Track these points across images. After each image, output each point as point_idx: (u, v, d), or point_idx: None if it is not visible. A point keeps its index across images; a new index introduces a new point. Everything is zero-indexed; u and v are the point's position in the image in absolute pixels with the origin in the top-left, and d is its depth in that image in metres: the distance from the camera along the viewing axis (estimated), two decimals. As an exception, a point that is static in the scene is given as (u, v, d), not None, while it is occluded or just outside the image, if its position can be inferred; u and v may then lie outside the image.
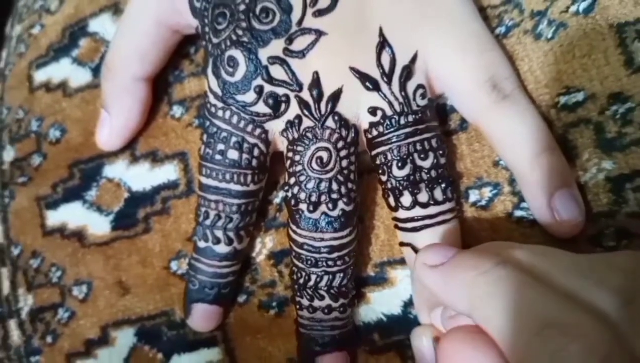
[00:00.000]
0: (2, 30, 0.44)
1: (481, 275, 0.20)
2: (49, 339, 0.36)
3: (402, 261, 0.28)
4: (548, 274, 0.20)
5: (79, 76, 0.37)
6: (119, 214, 0.35)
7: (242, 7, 0.26)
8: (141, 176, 0.34)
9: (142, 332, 0.33)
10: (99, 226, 0.35)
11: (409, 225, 0.26)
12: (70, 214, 0.36)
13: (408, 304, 0.28)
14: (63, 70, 0.38)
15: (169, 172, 0.34)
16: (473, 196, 0.27)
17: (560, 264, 0.20)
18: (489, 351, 0.19)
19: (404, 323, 0.28)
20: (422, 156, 0.25)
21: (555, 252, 0.21)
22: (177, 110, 0.34)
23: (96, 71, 0.37)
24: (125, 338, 0.34)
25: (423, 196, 0.25)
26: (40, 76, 0.39)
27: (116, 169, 0.35)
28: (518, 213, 0.27)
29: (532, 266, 0.20)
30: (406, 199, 0.25)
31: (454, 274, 0.21)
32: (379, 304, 0.29)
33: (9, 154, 0.40)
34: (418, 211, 0.25)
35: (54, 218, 0.37)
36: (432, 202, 0.25)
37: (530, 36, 0.27)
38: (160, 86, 0.34)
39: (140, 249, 0.34)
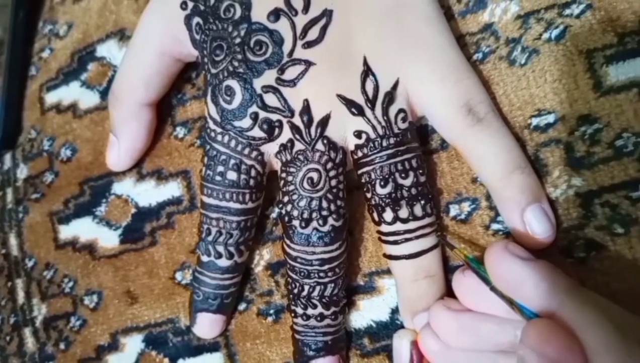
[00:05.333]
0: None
1: (575, 286, 0.22)
2: (62, 346, 0.38)
3: (389, 271, 0.30)
4: None
5: (88, 99, 0.39)
6: (127, 229, 0.37)
7: (237, 40, 0.28)
8: (147, 193, 0.36)
9: (149, 338, 0.35)
10: (108, 239, 0.37)
11: (391, 239, 0.27)
12: (81, 229, 0.38)
13: (395, 311, 0.30)
14: (73, 92, 0.40)
15: (173, 189, 0.35)
16: (453, 210, 0.29)
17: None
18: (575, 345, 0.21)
19: (391, 328, 0.30)
20: (403, 175, 0.27)
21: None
22: (180, 131, 0.36)
23: (104, 93, 0.39)
24: (133, 344, 0.36)
25: (403, 213, 0.27)
26: (51, 98, 0.41)
27: (124, 187, 0.37)
28: (495, 226, 0.28)
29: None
30: (388, 215, 0.27)
31: (547, 273, 0.23)
32: (368, 311, 0.31)
33: (23, 172, 0.42)
34: (399, 226, 0.27)
35: (66, 232, 0.39)
36: (411, 218, 0.27)
37: (505, 62, 0.29)
38: (164, 108, 0.36)
39: (147, 261, 0.36)
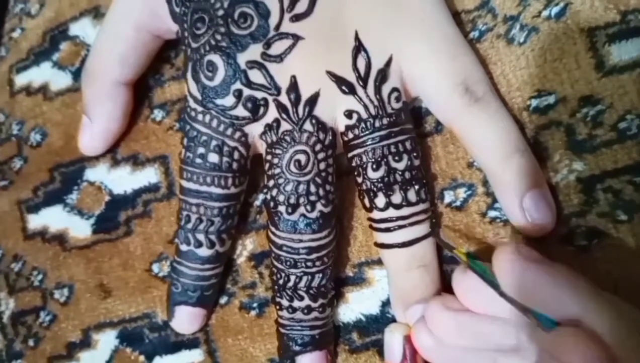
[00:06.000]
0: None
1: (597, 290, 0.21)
2: (31, 343, 0.36)
3: (379, 262, 0.28)
4: None
5: (60, 80, 0.38)
6: (100, 218, 0.35)
7: (220, 12, 0.27)
8: (122, 180, 0.35)
9: (124, 334, 0.33)
10: (80, 229, 0.35)
11: (383, 226, 0.26)
12: (52, 218, 0.36)
13: (386, 303, 0.29)
14: (44, 74, 0.38)
15: (150, 175, 0.34)
16: (448, 197, 0.28)
17: None
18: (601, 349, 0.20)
19: (382, 322, 0.29)
20: (396, 158, 0.26)
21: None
22: (158, 114, 0.34)
23: (76, 74, 0.37)
24: (107, 340, 0.34)
25: (396, 198, 0.26)
26: (21, 79, 0.39)
27: (97, 173, 0.35)
28: (492, 214, 0.27)
29: None
30: (380, 200, 0.26)
31: (566, 278, 0.22)
32: (358, 304, 0.29)
33: (-10, 158, 0.40)
34: (392, 213, 0.26)
35: (35, 221, 0.37)
36: (405, 203, 0.26)
37: (503, 40, 0.28)
38: (141, 89, 0.34)
39: (121, 252, 0.34)
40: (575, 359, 0.19)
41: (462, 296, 0.24)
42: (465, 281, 0.24)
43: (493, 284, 0.23)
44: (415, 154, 0.26)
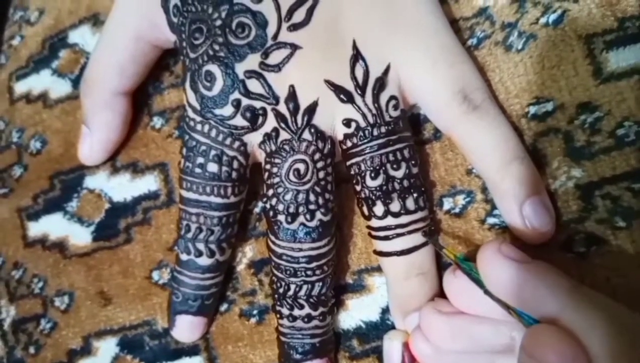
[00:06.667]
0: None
1: (576, 287, 0.21)
2: (31, 350, 0.36)
3: (379, 269, 0.28)
4: None
5: (59, 87, 0.37)
6: (100, 225, 0.35)
7: (218, 22, 0.27)
8: (122, 187, 0.35)
9: (124, 341, 0.33)
10: (80, 237, 0.35)
11: (382, 234, 0.26)
12: (52, 225, 0.36)
13: (385, 310, 0.29)
14: (43, 81, 0.38)
15: (149, 183, 0.34)
16: (447, 203, 0.28)
17: None
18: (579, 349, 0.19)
19: (382, 329, 0.29)
20: (394, 166, 0.26)
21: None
22: (157, 121, 0.34)
23: (76, 82, 0.37)
24: (107, 348, 0.34)
25: (395, 206, 0.26)
26: (21, 87, 0.39)
27: (97, 180, 0.35)
28: (491, 220, 0.27)
29: None
30: (379, 208, 0.26)
31: (545, 275, 0.22)
32: (358, 311, 0.29)
33: (-10, 166, 0.40)
34: (390, 221, 0.26)
35: (35, 229, 0.37)
36: (403, 212, 0.26)
37: (501, 48, 0.28)
38: (140, 97, 0.34)
39: (121, 259, 0.34)
40: (550, 355, 0.19)
41: (453, 298, 0.25)
42: (455, 283, 0.24)
43: (479, 282, 0.23)
44: (413, 162, 0.26)
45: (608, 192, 0.25)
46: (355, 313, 0.29)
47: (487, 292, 0.22)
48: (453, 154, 0.28)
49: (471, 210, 0.28)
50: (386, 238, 0.26)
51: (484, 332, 0.24)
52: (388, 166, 0.26)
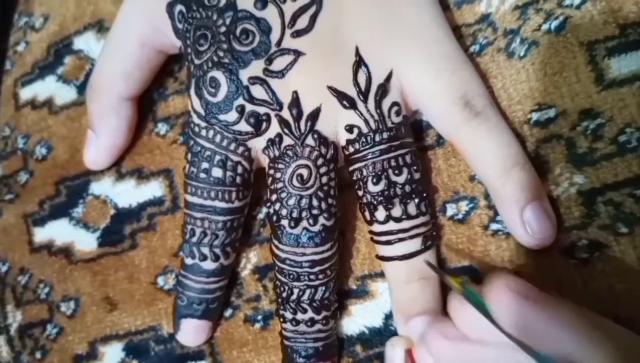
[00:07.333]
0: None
1: (590, 325, 0.21)
2: (38, 355, 0.36)
3: (382, 275, 0.29)
4: None
5: (64, 94, 0.38)
6: (106, 231, 0.35)
7: (222, 29, 0.27)
8: (127, 193, 0.35)
9: (130, 347, 0.34)
10: (85, 242, 0.35)
11: (384, 239, 0.26)
12: (57, 231, 0.37)
13: (389, 316, 0.29)
14: (48, 87, 0.38)
15: (154, 189, 0.34)
16: (450, 209, 0.28)
17: None
18: None
19: (385, 335, 0.29)
20: (396, 172, 0.26)
21: None
22: (162, 127, 0.34)
23: (81, 88, 0.37)
24: (113, 353, 0.34)
25: (397, 211, 0.26)
26: (26, 93, 0.40)
27: (102, 186, 0.35)
28: (494, 226, 0.27)
29: None
30: (380, 213, 0.26)
31: (558, 314, 0.21)
32: (361, 316, 0.29)
33: (-4, 172, 0.40)
34: (392, 226, 0.26)
35: (41, 234, 0.37)
36: (405, 216, 0.26)
37: (504, 54, 0.28)
38: (145, 103, 0.34)
39: (127, 265, 0.34)
40: None
41: (459, 324, 0.24)
42: (461, 310, 0.24)
43: (486, 313, 0.22)
44: (415, 167, 0.26)
45: (610, 198, 0.25)
46: (358, 319, 0.29)
47: (498, 327, 0.22)
48: (456, 161, 0.28)
49: (474, 216, 0.28)
50: (388, 242, 0.26)
51: (490, 358, 0.23)
52: (390, 171, 0.26)
